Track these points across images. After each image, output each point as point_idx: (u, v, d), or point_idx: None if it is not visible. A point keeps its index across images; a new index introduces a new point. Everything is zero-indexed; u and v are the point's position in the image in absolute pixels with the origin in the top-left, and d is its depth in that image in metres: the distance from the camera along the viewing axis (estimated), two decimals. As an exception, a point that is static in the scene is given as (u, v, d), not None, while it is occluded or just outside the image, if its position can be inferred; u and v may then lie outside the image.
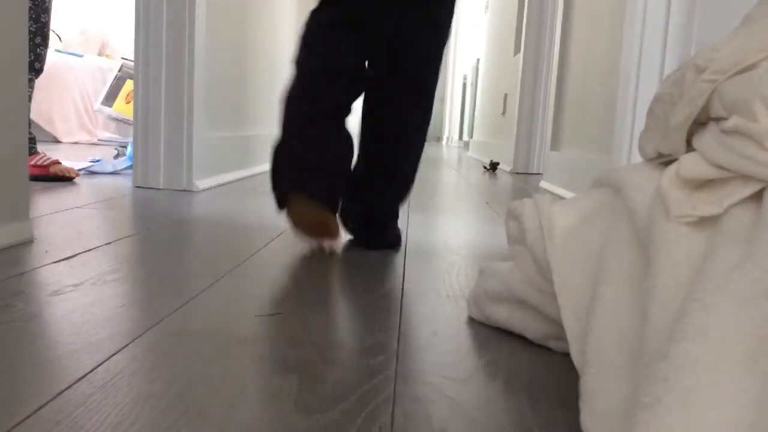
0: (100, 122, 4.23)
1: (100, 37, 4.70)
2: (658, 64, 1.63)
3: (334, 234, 1.04)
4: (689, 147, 0.50)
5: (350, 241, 1.14)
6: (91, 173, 2.16)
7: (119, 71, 3.91)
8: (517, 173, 3.54)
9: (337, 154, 1.04)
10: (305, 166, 1.00)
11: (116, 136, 4.13)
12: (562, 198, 1.37)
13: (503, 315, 0.67)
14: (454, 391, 0.52)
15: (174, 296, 0.74)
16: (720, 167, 0.43)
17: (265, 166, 2.69)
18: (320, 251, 1.04)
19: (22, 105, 0.98)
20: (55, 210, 1.33)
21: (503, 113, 4.38)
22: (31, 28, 1.77)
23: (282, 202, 1.03)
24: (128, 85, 3.84)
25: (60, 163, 1.90)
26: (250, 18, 2.44)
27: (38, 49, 1.80)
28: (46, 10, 1.81)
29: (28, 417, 0.43)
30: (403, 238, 1.21)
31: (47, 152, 1.93)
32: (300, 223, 1.02)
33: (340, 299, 0.77)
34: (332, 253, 1.05)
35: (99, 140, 4.15)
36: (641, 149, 0.57)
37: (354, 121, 1.09)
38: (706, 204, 0.43)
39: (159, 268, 0.87)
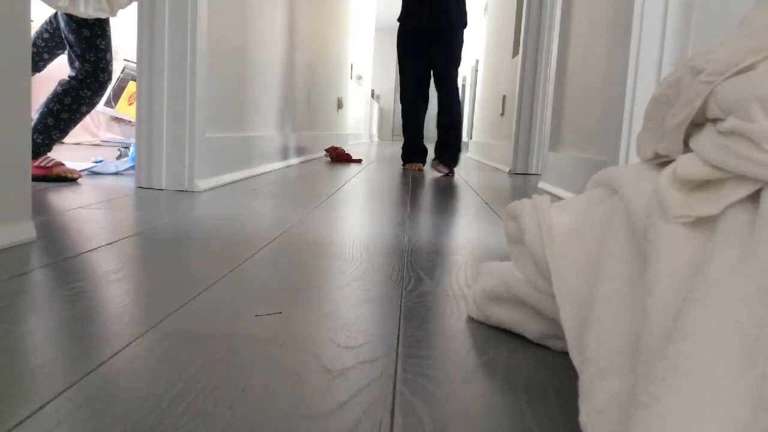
0: (103, 123, 4.24)
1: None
2: (655, 66, 1.63)
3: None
4: (686, 148, 0.51)
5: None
6: (94, 174, 2.17)
7: (122, 73, 3.91)
8: (516, 174, 3.54)
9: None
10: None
11: (119, 137, 4.14)
12: (560, 198, 1.37)
13: (503, 315, 0.67)
14: (453, 390, 0.52)
15: (175, 296, 0.74)
16: (717, 168, 0.44)
17: (266, 166, 2.70)
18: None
19: (25, 106, 0.99)
20: (58, 210, 1.33)
21: (502, 114, 4.38)
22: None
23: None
24: (131, 87, 3.84)
25: (63, 164, 1.91)
26: (252, 19, 2.44)
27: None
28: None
29: (29, 416, 0.43)
30: (404, 238, 1.22)
31: (50, 153, 1.94)
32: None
33: (340, 299, 0.77)
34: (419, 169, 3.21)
35: (102, 141, 4.16)
36: (639, 150, 0.58)
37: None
38: (704, 204, 0.43)
39: (160, 268, 0.88)
